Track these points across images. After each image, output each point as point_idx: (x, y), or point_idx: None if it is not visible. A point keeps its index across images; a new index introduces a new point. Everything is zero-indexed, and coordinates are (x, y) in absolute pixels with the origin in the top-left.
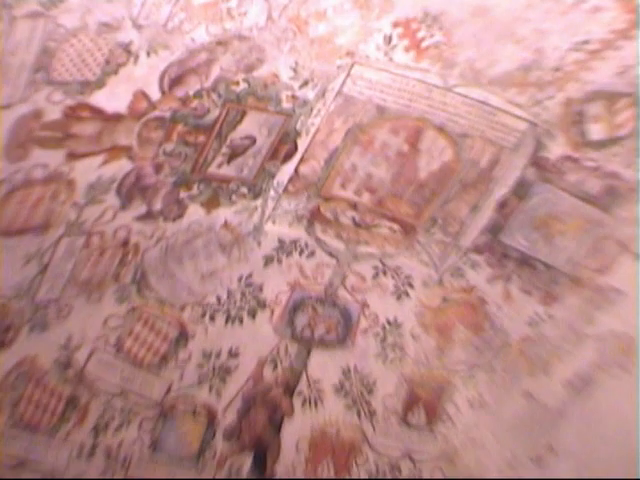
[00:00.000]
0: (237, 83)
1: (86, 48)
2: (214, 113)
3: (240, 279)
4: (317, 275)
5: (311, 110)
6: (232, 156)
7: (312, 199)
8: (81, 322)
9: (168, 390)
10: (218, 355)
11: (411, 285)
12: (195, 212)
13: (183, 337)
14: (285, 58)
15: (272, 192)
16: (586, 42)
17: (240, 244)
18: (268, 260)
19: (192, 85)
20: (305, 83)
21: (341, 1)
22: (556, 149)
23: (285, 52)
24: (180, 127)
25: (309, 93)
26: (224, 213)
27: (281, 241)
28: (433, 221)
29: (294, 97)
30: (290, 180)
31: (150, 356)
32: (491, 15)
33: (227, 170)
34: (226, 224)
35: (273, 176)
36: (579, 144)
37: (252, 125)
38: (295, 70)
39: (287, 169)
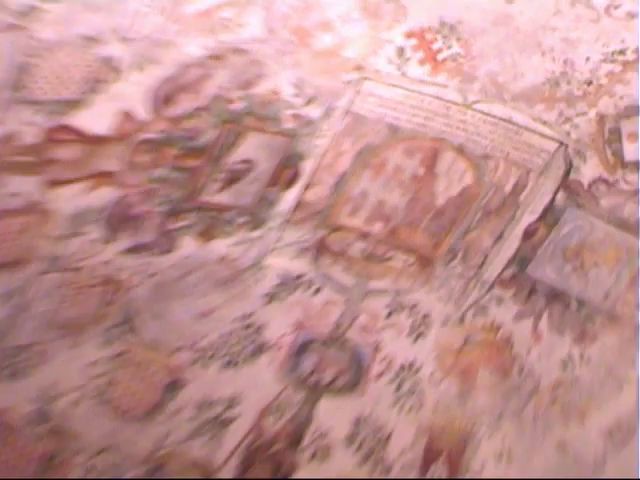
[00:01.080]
0: (234, 101)
1: (66, 64)
2: (209, 135)
3: (239, 319)
4: (324, 314)
5: (316, 131)
6: (229, 182)
7: (318, 229)
8: (60, 369)
9: (158, 445)
10: (214, 405)
11: (429, 324)
12: (188, 245)
13: (175, 385)
14: (287, 73)
15: (273, 222)
16: (620, 52)
17: (238, 280)
18: (270, 298)
19: (184, 104)
20: (309, 101)
21: (348, 9)
22: (589, 171)
23: (287, 67)
24: (171, 150)
25: (314, 112)
26: (220, 245)
27: (284, 276)
28: (453, 253)
29: (297, 116)
30: (293, 208)
31: (138, 407)
32: (514, 24)
33: (223, 198)
34: (223, 258)
35: (274, 204)
36: (614, 165)
37: (251, 148)
38: (298, 86)
39: (290, 196)
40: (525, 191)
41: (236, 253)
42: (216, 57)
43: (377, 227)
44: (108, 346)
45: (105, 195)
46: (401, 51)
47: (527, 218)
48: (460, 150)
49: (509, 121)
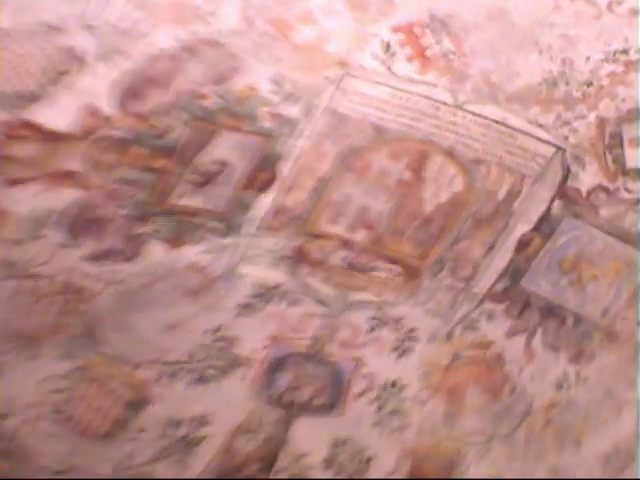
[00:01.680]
0: (207, 97)
1: (22, 52)
2: (179, 133)
3: (209, 332)
4: (301, 328)
5: (295, 130)
6: (200, 184)
7: (296, 236)
8: (13, 384)
9: (121, 466)
10: (181, 424)
11: (414, 340)
12: (156, 251)
13: (139, 402)
14: (265, 68)
15: (248, 228)
16: (623, 51)
17: (209, 290)
18: (243, 309)
19: (152, 99)
20: (287, 98)
21: (331, 0)
22: (588, 178)
23: (265, 61)
24: (137, 149)
25: (292, 110)
26: (190, 252)
27: (259, 286)
28: (441, 263)
29: (275, 114)
30: (270, 213)
31: (99, 425)
32: (510, 19)
33: (194, 201)
34: (193, 265)
35: (249, 208)
36: (615, 172)
37: (224, 147)
38: (276, 82)
39: (266, 200)
40: (519, 198)
41: (207, 260)
42: (188, 49)
43: (360, 235)
44: (67, 359)
45: (66, 196)
46: (387, 46)
47: (521, 227)
48: (450, 153)
49: (503, 123)
